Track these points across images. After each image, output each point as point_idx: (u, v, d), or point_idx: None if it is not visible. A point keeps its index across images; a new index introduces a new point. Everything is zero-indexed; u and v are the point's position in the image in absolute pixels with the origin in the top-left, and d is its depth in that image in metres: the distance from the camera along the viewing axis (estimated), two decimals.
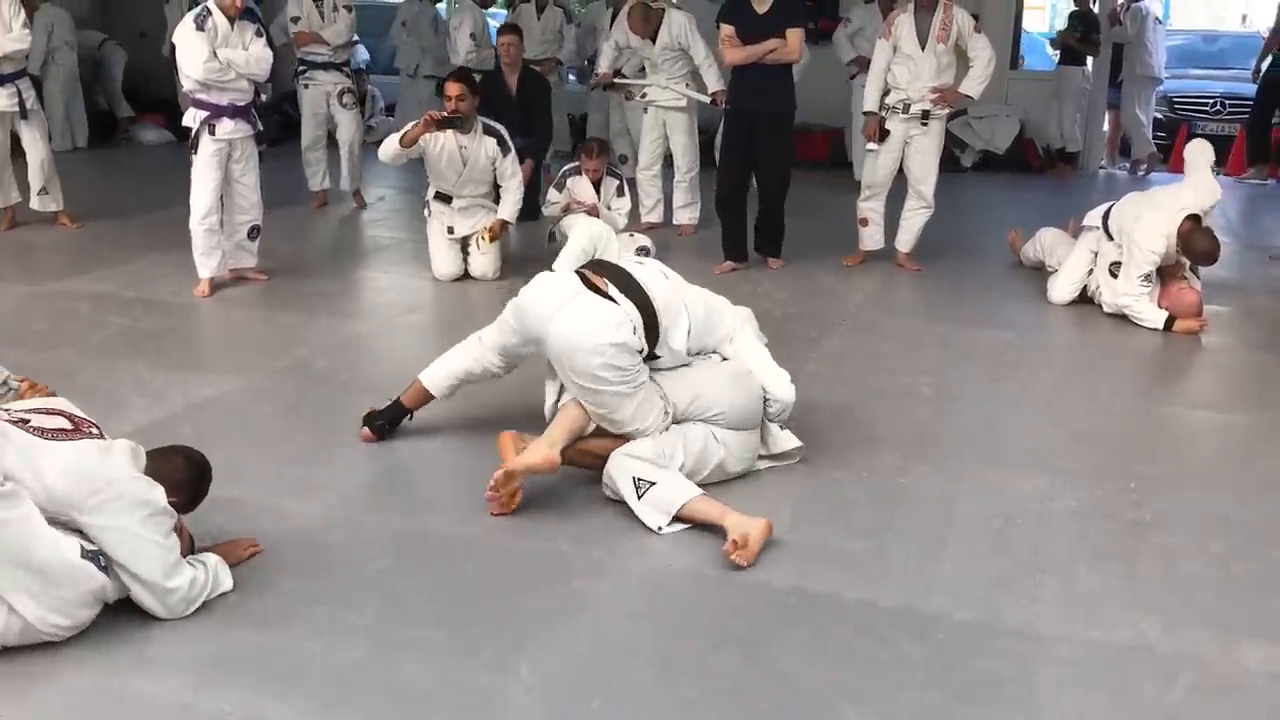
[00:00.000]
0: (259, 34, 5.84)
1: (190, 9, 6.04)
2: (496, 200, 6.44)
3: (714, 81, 7.47)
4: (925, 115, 6.60)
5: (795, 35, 6.43)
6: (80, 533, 2.71)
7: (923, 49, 6.51)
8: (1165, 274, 5.85)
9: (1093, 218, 6.22)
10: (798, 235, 6.93)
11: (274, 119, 10.02)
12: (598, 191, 6.88)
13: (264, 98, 8.23)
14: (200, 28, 5.62)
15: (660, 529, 3.38)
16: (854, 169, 8.92)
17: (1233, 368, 5.48)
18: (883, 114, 6.66)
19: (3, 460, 2.63)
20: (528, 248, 6.94)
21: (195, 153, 5.81)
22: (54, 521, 2.66)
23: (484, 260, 6.39)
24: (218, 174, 5.84)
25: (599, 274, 3.69)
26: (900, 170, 6.80)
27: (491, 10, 10.23)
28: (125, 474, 2.78)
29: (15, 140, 7.24)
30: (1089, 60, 11.05)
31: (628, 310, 3.55)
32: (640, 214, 7.86)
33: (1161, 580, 3.24)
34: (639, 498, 3.42)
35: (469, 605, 3.01)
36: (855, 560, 3.29)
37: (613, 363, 3.46)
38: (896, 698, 2.65)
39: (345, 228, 8.06)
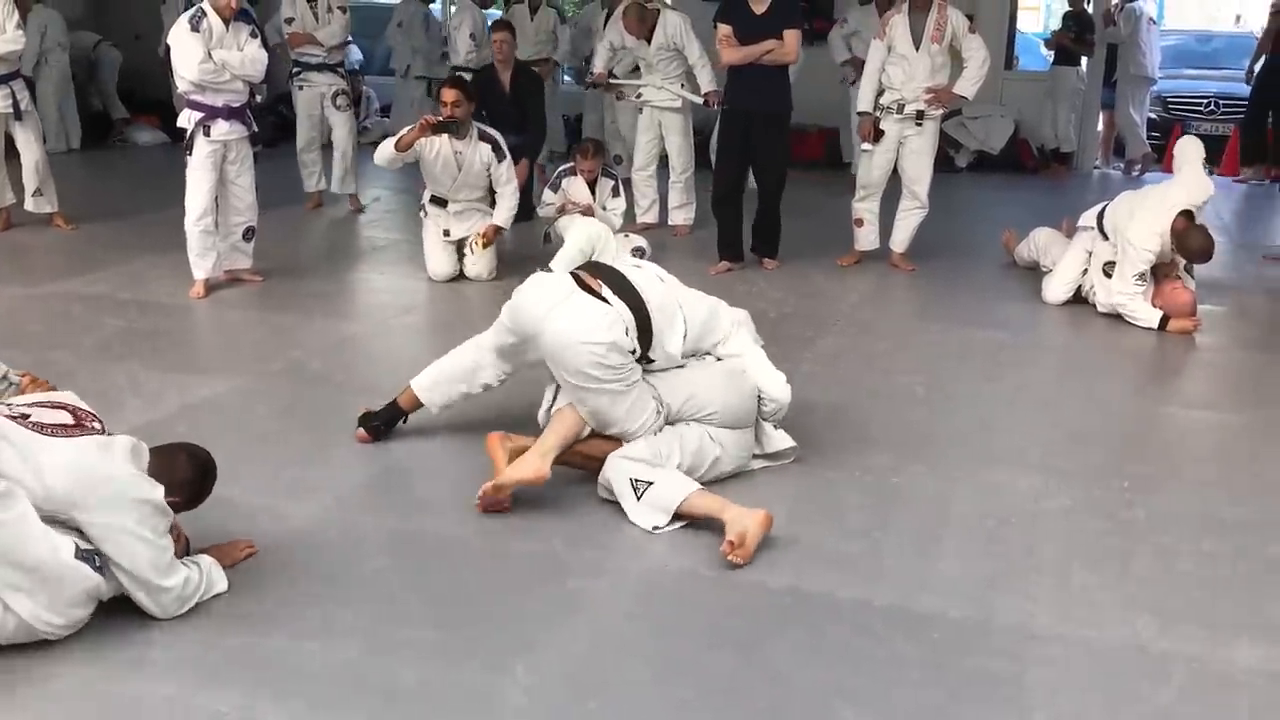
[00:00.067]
0: (254, 35, 5.83)
1: (185, 10, 6.03)
2: (492, 204, 6.45)
3: (708, 82, 7.49)
4: (920, 116, 6.62)
5: (793, 37, 6.44)
6: (77, 530, 2.70)
7: (917, 49, 6.53)
8: (1159, 273, 5.86)
9: (1087, 218, 6.24)
10: (793, 235, 6.94)
11: (269, 120, 10.03)
12: (593, 192, 6.89)
13: (259, 99, 8.21)
14: (195, 29, 5.62)
15: (657, 528, 3.38)
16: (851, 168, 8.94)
17: (1227, 367, 5.50)
18: (877, 114, 6.68)
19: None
20: (523, 248, 6.94)
21: (190, 154, 5.81)
22: (51, 519, 2.66)
23: (479, 261, 6.40)
24: (213, 175, 5.84)
25: (593, 275, 3.70)
26: (895, 170, 6.82)
27: (491, 11, 10.22)
28: (124, 472, 2.77)
29: (9, 142, 7.22)
30: (1083, 60, 11.08)
31: (620, 311, 3.56)
32: (636, 214, 7.88)
33: (1155, 579, 3.24)
34: (637, 499, 3.42)
35: (465, 606, 3.01)
36: (850, 560, 3.29)
37: (604, 361, 3.47)
38: (891, 697, 2.66)
39: (340, 229, 8.06)
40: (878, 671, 2.75)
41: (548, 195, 6.92)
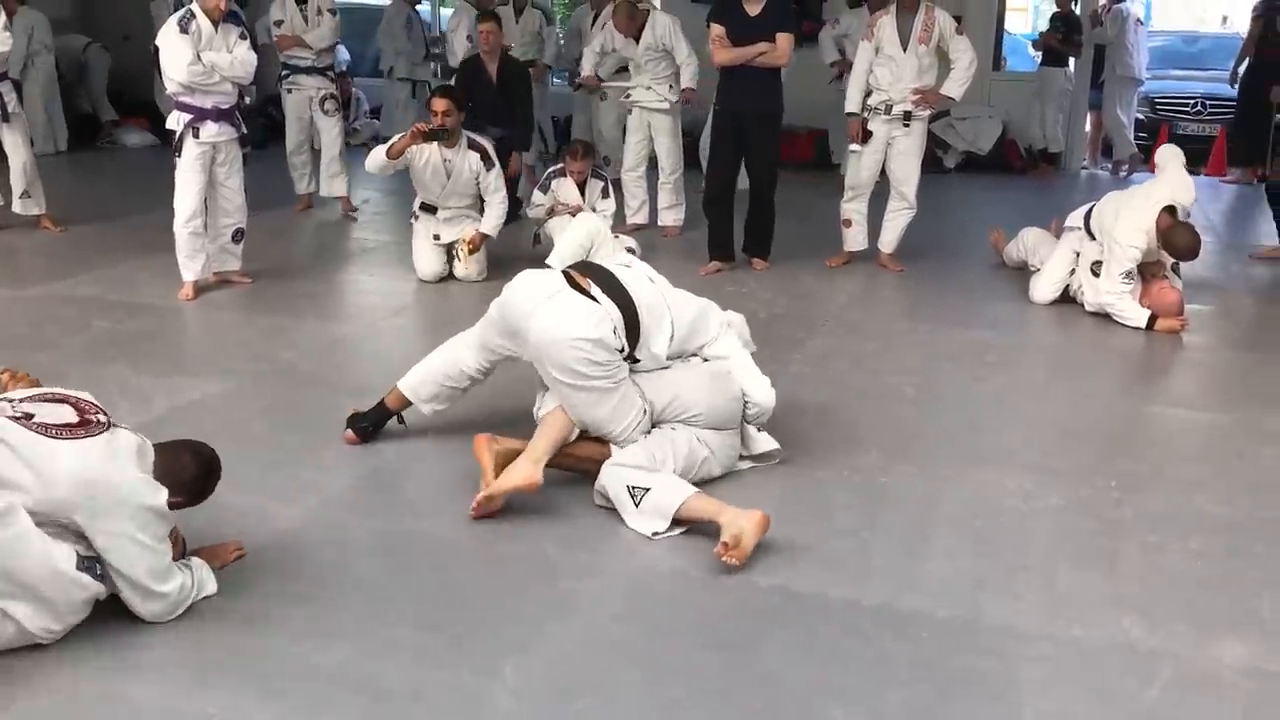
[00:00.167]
0: (243, 37, 5.82)
1: (175, 11, 6.02)
2: (481, 211, 6.47)
3: (688, 79, 7.53)
4: (907, 116, 6.63)
5: (785, 39, 6.44)
6: (76, 534, 2.68)
7: (904, 50, 6.55)
8: (1147, 273, 5.89)
9: (1074, 218, 6.27)
10: (782, 236, 6.95)
11: (259, 122, 10.01)
12: (582, 193, 6.90)
13: (248, 100, 8.20)
14: (184, 30, 5.60)
15: (656, 534, 3.37)
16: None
17: (1214, 366, 5.52)
18: (865, 115, 6.69)
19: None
20: (512, 249, 6.94)
21: (179, 156, 5.79)
22: (51, 521, 2.64)
23: (469, 263, 6.41)
24: (202, 177, 5.83)
25: (583, 274, 3.71)
26: (883, 171, 6.83)
27: None
28: (128, 477, 2.74)
29: None
30: (1071, 61, 11.12)
31: (608, 309, 3.57)
32: (625, 215, 7.89)
33: (1142, 578, 3.26)
34: (636, 505, 3.41)
35: (454, 607, 3.01)
36: (839, 560, 3.30)
37: (591, 358, 3.48)
38: (880, 696, 2.66)
39: (330, 231, 8.05)
40: (867, 671, 2.76)
41: (537, 196, 6.93)
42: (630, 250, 6.57)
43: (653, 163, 7.98)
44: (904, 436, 4.26)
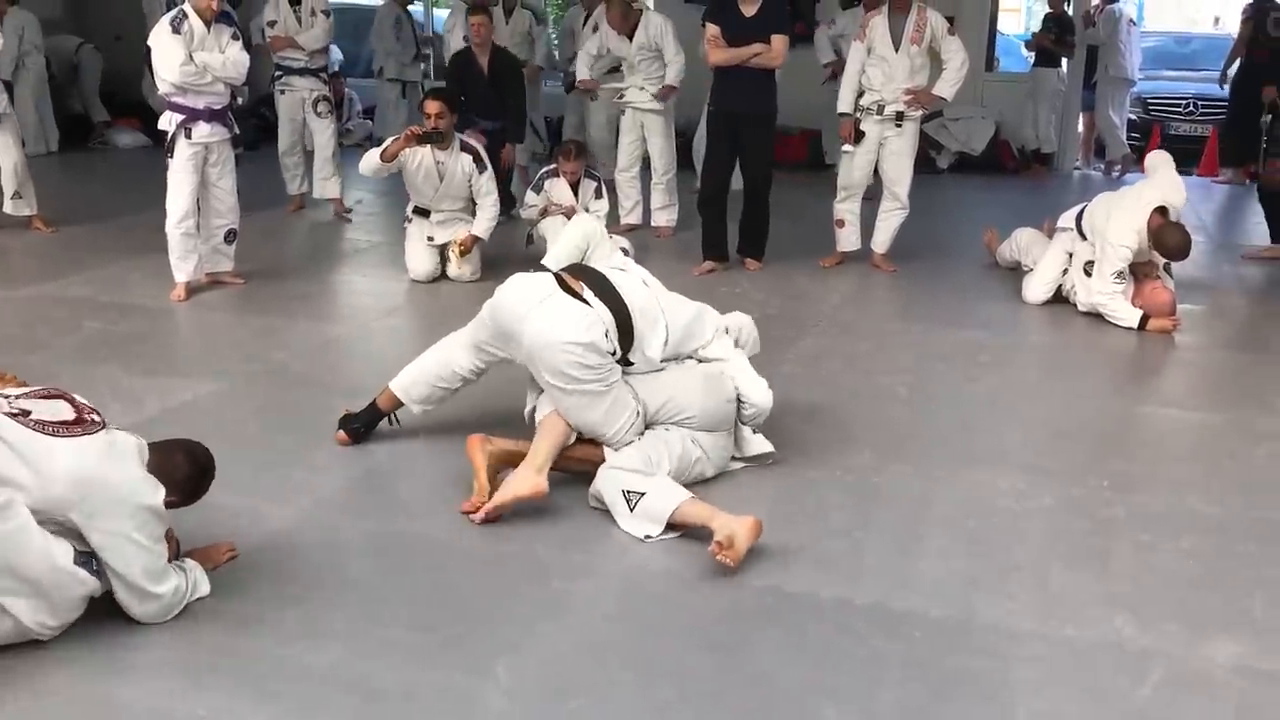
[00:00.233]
0: (235, 37, 5.81)
1: (166, 11, 6.00)
2: (474, 214, 6.47)
3: (671, 76, 7.55)
4: (899, 117, 6.64)
5: (780, 41, 6.45)
6: (74, 531, 2.68)
7: (896, 51, 6.55)
8: (1139, 273, 5.90)
9: (1066, 219, 6.28)
10: (775, 236, 6.95)
11: (251, 122, 10.00)
12: (575, 194, 6.90)
13: (240, 101, 8.19)
14: (176, 30, 5.59)
15: (648, 537, 3.37)
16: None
17: (1205, 366, 5.53)
18: (857, 115, 6.70)
19: None
20: (506, 249, 6.94)
21: (171, 157, 5.78)
22: (48, 519, 2.64)
23: (461, 264, 6.41)
24: (194, 177, 5.81)
25: (576, 277, 3.71)
26: (876, 172, 6.84)
27: None
28: (129, 476, 2.74)
29: None
30: (1064, 62, 11.13)
31: (600, 312, 3.57)
32: (619, 216, 7.89)
33: (1134, 578, 3.27)
34: (630, 510, 3.41)
35: (446, 608, 3.01)
36: (832, 559, 3.30)
37: (582, 361, 3.48)
38: (873, 695, 2.67)
39: (322, 231, 8.03)
40: (860, 671, 2.76)
41: (530, 197, 6.93)
42: (624, 250, 6.57)
43: (646, 163, 7.98)
44: (897, 436, 4.26)
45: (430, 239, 6.45)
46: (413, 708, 2.58)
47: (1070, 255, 6.15)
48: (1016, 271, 6.67)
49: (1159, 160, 6.21)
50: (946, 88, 6.63)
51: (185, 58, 5.59)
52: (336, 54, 12.49)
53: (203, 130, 5.77)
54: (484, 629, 2.89)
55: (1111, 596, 3.13)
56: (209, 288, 6.11)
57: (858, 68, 6.66)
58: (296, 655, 2.76)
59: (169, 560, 2.87)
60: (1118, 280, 5.77)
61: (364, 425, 4.02)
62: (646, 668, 2.77)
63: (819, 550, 3.35)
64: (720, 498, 3.55)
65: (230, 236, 6.12)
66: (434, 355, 3.94)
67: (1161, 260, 5.94)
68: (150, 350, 5.17)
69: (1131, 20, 11.46)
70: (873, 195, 7.06)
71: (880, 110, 6.63)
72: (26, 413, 2.71)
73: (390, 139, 6.25)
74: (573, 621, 2.98)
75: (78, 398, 2.87)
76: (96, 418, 2.82)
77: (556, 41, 10.80)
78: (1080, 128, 11.76)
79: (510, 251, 6.90)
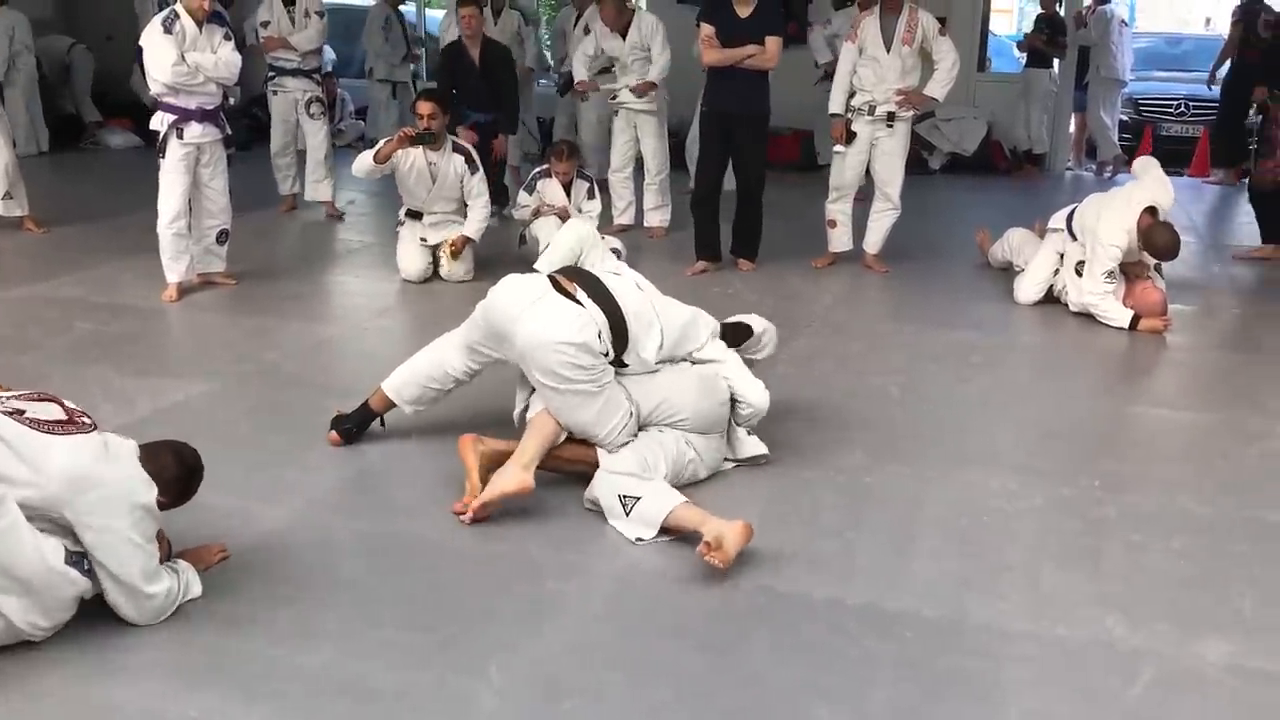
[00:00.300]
0: (227, 38, 5.80)
1: (159, 11, 5.99)
2: (466, 216, 6.47)
3: (654, 74, 7.55)
4: (891, 117, 6.65)
5: (774, 43, 6.45)
6: (65, 530, 2.68)
7: (888, 51, 6.56)
8: (1130, 274, 5.92)
9: (1057, 220, 6.30)
10: (768, 237, 6.96)
11: (244, 123, 9.98)
12: (568, 194, 6.90)
13: (232, 101, 8.16)
14: (168, 31, 5.57)
15: (640, 540, 3.37)
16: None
17: (1196, 366, 5.54)
18: (849, 116, 6.71)
19: None
20: (498, 249, 6.94)
21: (163, 157, 5.77)
22: (42, 516, 2.63)
23: (453, 264, 6.41)
24: (186, 178, 5.80)
25: (570, 279, 3.71)
26: (867, 172, 6.85)
27: None
28: (124, 474, 2.74)
29: None
30: (1055, 63, 11.17)
31: (593, 313, 3.57)
32: (612, 216, 7.89)
33: (1125, 577, 3.27)
34: (625, 514, 3.41)
35: (438, 608, 3.00)
36: (824, 559, 3.31)
37: (575, 361, 3.48)
38: (865, 695, 2.67)
39: (315, 232, 8.02)
40: (852, 670, 2.77)
41: (523, 198, 6.92)
42: (615, 251, 6.57)
43: (639, 164, 7.98)
44: (889, 437, 4.27)
45: (423, 239, 6.46)
46: (405, 708, 2.58)
47: (1061, 256, 6.16)
48: (1008, 272, 6.68)
49: (1146, 163, 6.25)
50: (938, 88, 6.65)
51: (177, 58, 5.58)
52: (330, 55, 12.49)
53: (195, 131, 5.76)
54: (477, 629, 2.89)
55: (1103, 596, 3.14)
56: (201, 288, 6.10)
57: (849, 68, 6.68)
58: (289, 656, 2.75)
59: (160, 561, 2.86)
60: (1109, 280, 5.78)
61: (356, 426, 4.02)
62: (639, 668, 2.77)
63: (811, 550, 3.36)
64: (714, 498, 3.56)
65: (222, 237, 6.11)
66: (426, 356, 3.94)
67: (1152, 260, 5.96)
68: (142, 351, 5.16)
69: (1123, 21, 11.49)
70: (864, 196, 7.07)
71: (872, 111, 6.65)
72: (20, 412, 2.72)
73: (383, 140, 6.25)
74: (565, 621, 2.98)
75: (67, 402, 2.87)
76: (87, 420, 2.83)
77: (549, 42, 10.79)
78: (1072, 128, 11.79)
79: (502, 252, 6.90)
